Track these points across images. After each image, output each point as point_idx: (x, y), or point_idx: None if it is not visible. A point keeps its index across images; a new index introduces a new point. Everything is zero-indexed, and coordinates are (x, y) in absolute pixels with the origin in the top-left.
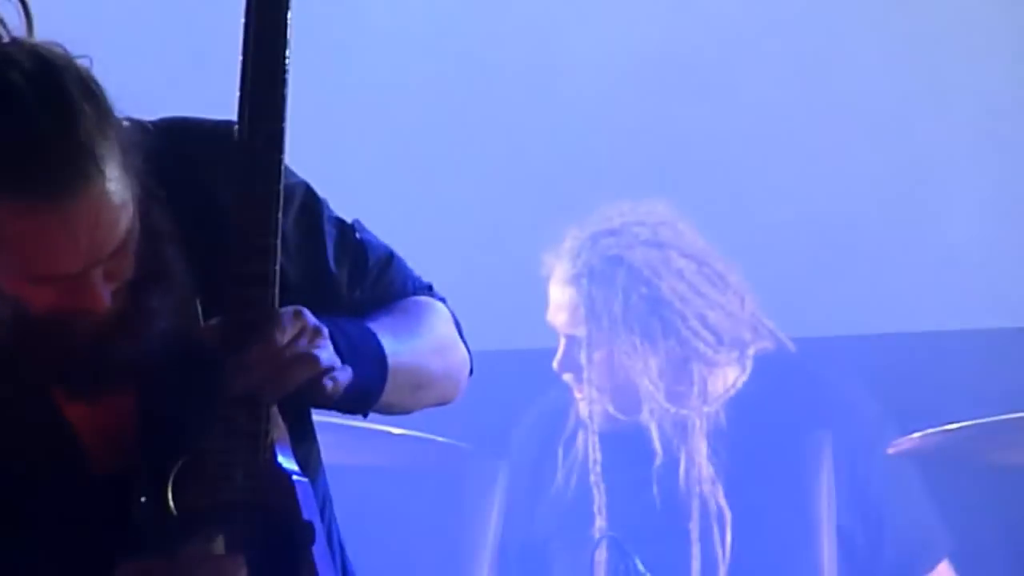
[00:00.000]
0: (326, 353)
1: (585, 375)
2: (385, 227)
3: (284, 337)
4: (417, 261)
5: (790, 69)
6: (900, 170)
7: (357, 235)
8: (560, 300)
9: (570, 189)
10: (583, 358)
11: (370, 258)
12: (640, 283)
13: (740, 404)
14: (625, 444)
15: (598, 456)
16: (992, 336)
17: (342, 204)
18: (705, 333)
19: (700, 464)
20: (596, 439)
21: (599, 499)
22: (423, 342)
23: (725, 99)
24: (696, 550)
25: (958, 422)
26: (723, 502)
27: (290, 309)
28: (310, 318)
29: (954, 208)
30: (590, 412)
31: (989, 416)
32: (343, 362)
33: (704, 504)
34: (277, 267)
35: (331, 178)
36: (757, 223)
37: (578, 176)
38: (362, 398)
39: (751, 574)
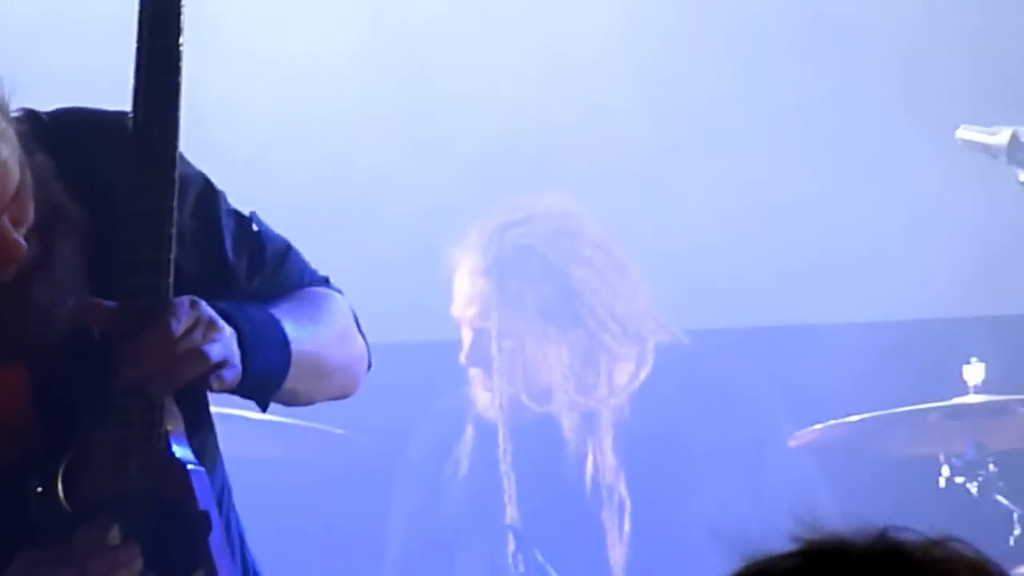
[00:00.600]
0: (218, 347)
1: (495, 366)
2: (284, 220)
3: (178, 327)
4: (312, 254)
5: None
6: (802, 161)
7: (254, 227)
8: (469, 292)
9: (469, 183)
10: (494, 349)
11: (268, 249)
12: (552, 272)
13: (642, 396)
14: (531, 436)
15: (508, 447)
16: (889, 328)
17: (239, 197)
18: (612, 324)
19: (606, 455)
20: (505, 431)
21: (509, 489)
22: (324, 331)
23: (619, 102)
24: (603, 538)
25: (858, 414)
26: (624, 492)
27: (186, 299)
28: (205, 310)
29: (853, 203)
30: (499, 404)
31: (887, 408)
32: (247, 346)
33: (609, 494)
34: (172, 256)
35: (227, 171)
36: (655, 218)
37: (478, 170)
38: (265, 383)
39: (653, 560)
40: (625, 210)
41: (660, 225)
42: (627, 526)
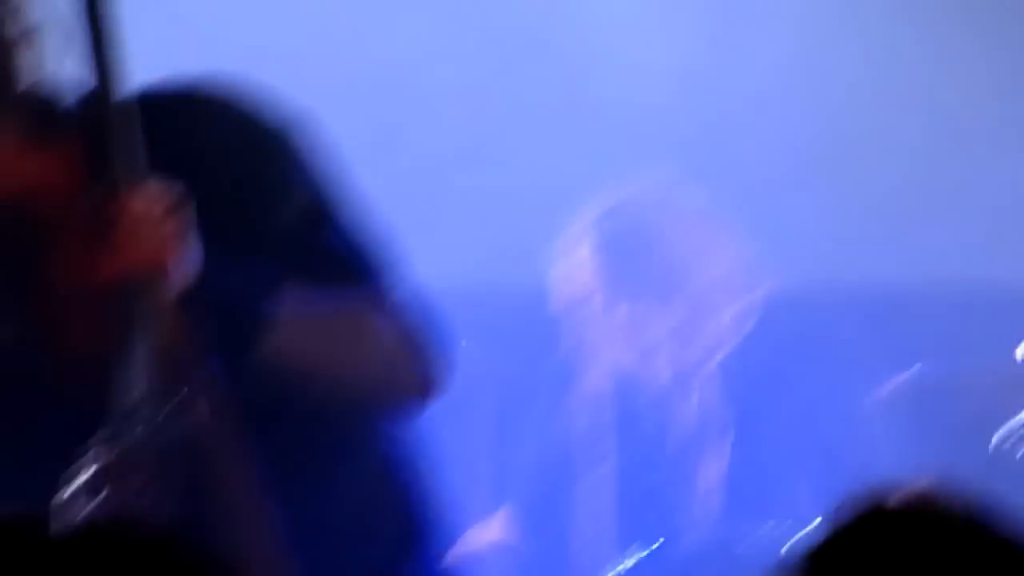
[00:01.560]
0: (179, 232)
1: (610, 329)
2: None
3: (144, 201)
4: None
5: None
6: (922, 121)
7: (332, 235)
8: (581, 268)
9: (584, 162)
10: (607, 315)
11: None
12: (655, 245)
13: (746, 348)
14: (640, 384)
15: (613, 396)
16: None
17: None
18: (710, 287)
19: (710, 397)
20: (612, 381)
21: (609, 439)
22: (333, 318)
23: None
24: (702, 470)
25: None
26: (728, 428)
27: (158, 183)
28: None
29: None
30: (611, 359)
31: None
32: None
33: (709, 431)
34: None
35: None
36: (755, 175)
37: (590, 150)
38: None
39: (751, 496)
40: (726, 175)
41: (758, 183)
42: (727, 455)
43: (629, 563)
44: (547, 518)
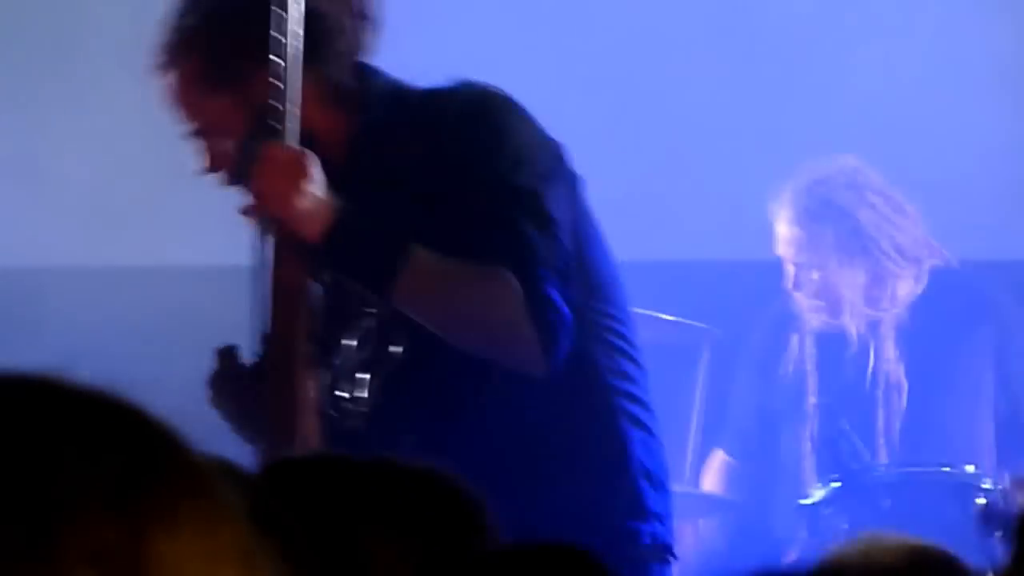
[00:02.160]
0: (298, 191)
1: (808, 290)
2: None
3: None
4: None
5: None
6: None
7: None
8: (786, 235)
9: (784, 147)
10: (805, 278)
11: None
12: (846, 217)
13: (919, 306)
14: (833, 340)
15: (813, 350)
16: None
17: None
18: (893, 253)
19: (888, 350)
20: (811, 337)
21: (812, 382)
22: (454, 270)
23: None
24: (882, 414)
25: None
26: (903, 377)
27: (297, 149)
28: (302, 159)
29: None
30: (810, 317)
31: None
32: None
33: (888, 380)
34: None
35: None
36: (931, 161)
37: (788, 136)
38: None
39: (924, 433)
40: (907, 160)
41: (933, 167)
42: (904, 403)
43: (823, 493)
44: (756, 456)
